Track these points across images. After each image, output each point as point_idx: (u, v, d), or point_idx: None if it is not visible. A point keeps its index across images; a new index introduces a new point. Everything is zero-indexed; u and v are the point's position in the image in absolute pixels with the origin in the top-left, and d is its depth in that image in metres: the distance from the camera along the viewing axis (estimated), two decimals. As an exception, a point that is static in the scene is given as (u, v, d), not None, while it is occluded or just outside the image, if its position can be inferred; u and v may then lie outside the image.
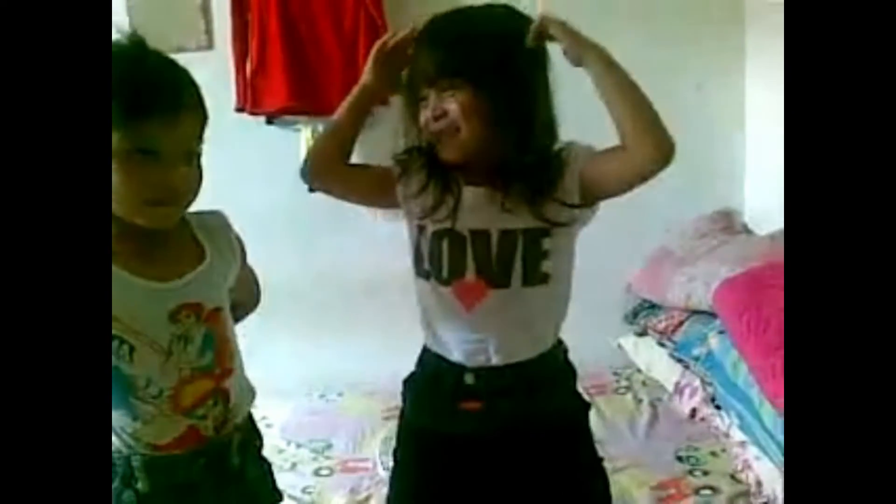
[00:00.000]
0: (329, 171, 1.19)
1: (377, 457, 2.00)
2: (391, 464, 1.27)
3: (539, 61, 1.10)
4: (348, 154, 1.19)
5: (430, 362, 1.18)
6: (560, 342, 1.19)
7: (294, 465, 1.95)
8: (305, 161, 1.20)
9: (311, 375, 2.37)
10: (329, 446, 2.08)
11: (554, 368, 1.17)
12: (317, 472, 1.94)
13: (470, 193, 1.11)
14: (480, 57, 1.06)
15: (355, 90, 1.18)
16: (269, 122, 2.49)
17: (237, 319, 1.12)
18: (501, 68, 1.06)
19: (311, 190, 2.76)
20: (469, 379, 1.12)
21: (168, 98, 0.95)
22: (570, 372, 1.20)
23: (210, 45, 2.49)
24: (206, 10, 2.51)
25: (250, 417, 1.14)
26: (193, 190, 1.00)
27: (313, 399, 2.38)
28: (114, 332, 0.96)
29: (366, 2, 2.41)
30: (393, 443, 2.00)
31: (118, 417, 0.99)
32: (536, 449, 1.14)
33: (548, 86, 1.11)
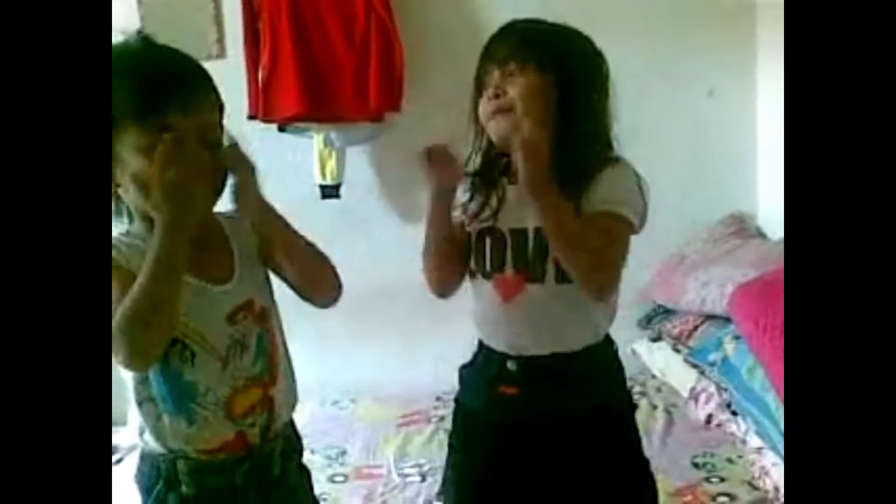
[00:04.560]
0: (460, 279, 1.22)
1: (391, 463, 2.00)
2: (444, 455, 1.30)
3: (605, 83, 1.16)
4: (457, 259, 1.20)
5: (481, 352, 1.23)
6: (610, 341, 1.21)
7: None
8: (429, 284, 1.22)
9: (324, 382, 2.37)
10: (343, 453, 2.08)
11: (599, 364, 1.19)
12: (331, 479, 1.94)
13: (512, 192, 1.16)
14: (550, 50, 1.12)
15: (429, 207, 1.19)
16: (282, 129, 2.50)
17: (315, 295, 1.12)
18: (568, 66, 1.12)
19: (325, 197, 2.76)
20: (511, 365, 1.17)
21: (181, 82, 0.98)
22: (616, 371, 1.23)
23: (223, 54, 2.51)
24: (218, 20, 2.53)
25: (291, 424, 1.16)
26: (216, 177, 1.01)
27: (327, 406, 2.39)
28: (177, 335, 0.99)
29: (376, 8, 2.42)
30: (407, 449, 2.04)
31: (176, 422, 1.02)
32: (573, 440, 1.16)
33: (607, 107, 1.16)
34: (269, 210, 1.04)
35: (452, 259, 1.19)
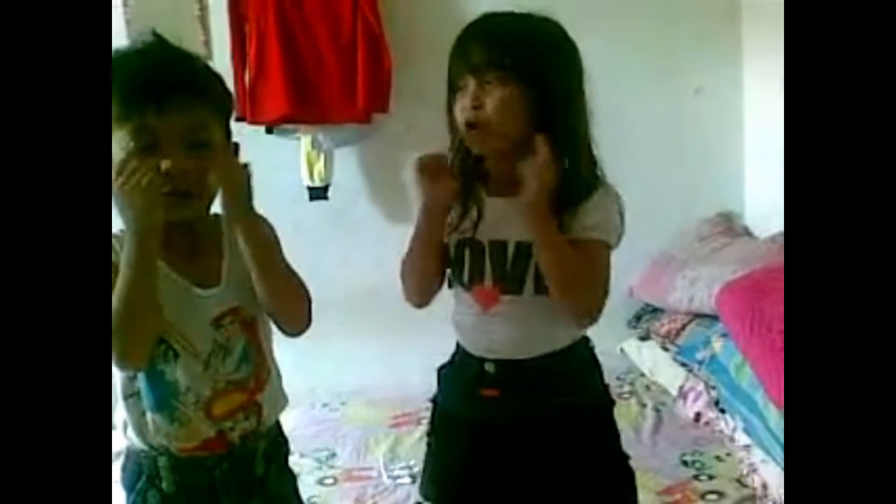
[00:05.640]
0: (438, 289, 1.21)
1: (381, 465, 2.00)
2: (424, 453, 1.30)
3: (581, 80, 1.14)
4: (440, 272, 1.18)
5: (459, 354, 1.24)
6: (586, 339, 1.22)
7: (298, 475, 1.94)
8: (407, 294, 1.20)
9: (314, 384, 2.37)
10: (333, 455, 2.07)
11: (575, 364, 1.20)
12: (321, 482, 1.93)
13: (492, 204, 1.15)
14: (531, 58, 1.09)
15: (422, 218, 1.15)
16: (269, 131, 2.50)
17: (284, 325, 1.10)
18: (548, 73, 1.10)
19: (313, 198, 2.74)
20: (489, 368, 1.17)
21: (161, 83, 0.97)
22: (593, 368, 1.23)
23: (209, 56, 2.50)
24: (204, 21, 2.52)
25: (278, 426, 1.16)
26: (203, 179, 0.99)
27: (317, 408, 2.38)
28: (162, 335, 1.00)
29: (363, 10, 2.42)
30: (397, 451, 2.04)
31: (158, 418, 1.03)
32: (552, 440, 1.17)
33: (585, 106, 1.15)
34: (251, 230, 1.01)
35: (436, 273, 1.18)
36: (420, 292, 1.19)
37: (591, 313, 1.12)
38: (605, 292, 1.12)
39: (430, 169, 1.11)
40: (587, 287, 1.10)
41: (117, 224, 0.99)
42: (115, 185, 0.94)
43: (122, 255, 0.95)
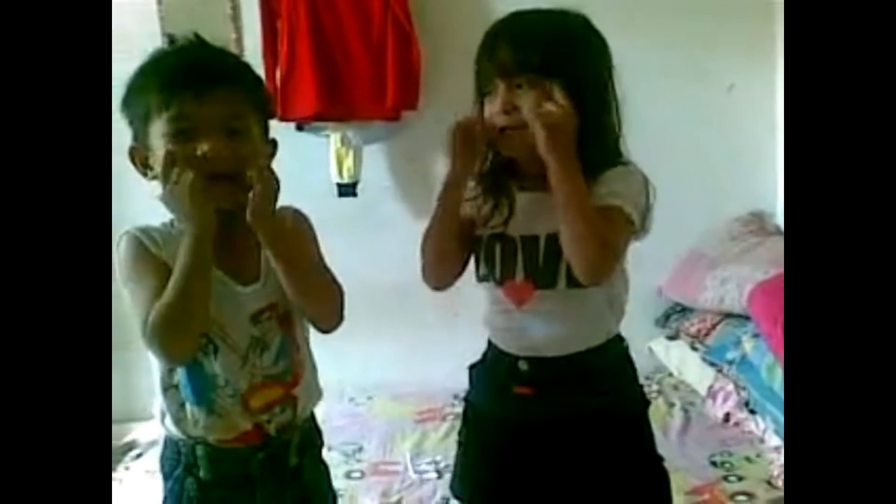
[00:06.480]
0: (457, 274, 1.20)
1: (408, 460, 2.01)
2: (457, 450, 1.30)
3: (611, 74, 1.14)
4: (459, 252, 1.18)
5: (491, 351, 1.23)
6: (620, 339, 1.21)
7: (326, 468, 1.97)
8: (424, 273, 1.20)
9: (341, 379, 2.39)
10: (360, 449, 2.09)
11: (609, 363, 1.19)
12: (348, 475, 1.95)
13: (523, 199, 1.15)
14: (560, 57, 1.08)
15: (445, 187, 1.14)
16: (300, 128, 2.52)
17: (315, 321, 1.12)
18: (579, 72, 1.09)
19: (342, 195, 2.76)
20: (523, 365, 1.17)
21: (199, 73, 1.00)
22: (628, 368, 1.23)
23: (240, 54, 2.53)
24: (236, 19, 2.55)
25: (312, 418, 1.17)
26: (241, 165, 1.01)
27: (344, 403, 2.39)
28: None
29: (393, 8, 2.43)
30: (423, 446, 2.05)
31: (196, 410, 1.06)
32: (586, 438, 1.16)
33: (616, 97, 1.14)
34: (275, 235, 1.03)
35: (454, 252, 1.17)
36: (437, 270, 1.18)
37: (597, 268, 1.07)
38: (615, 254, 1.08)
39: (462, 135, 1.11)
40: (599, 238, 1.04)
41: (118, 224, 1.01)
42: (166, 187, 0.97)
43: (179, 254, 0.97)
